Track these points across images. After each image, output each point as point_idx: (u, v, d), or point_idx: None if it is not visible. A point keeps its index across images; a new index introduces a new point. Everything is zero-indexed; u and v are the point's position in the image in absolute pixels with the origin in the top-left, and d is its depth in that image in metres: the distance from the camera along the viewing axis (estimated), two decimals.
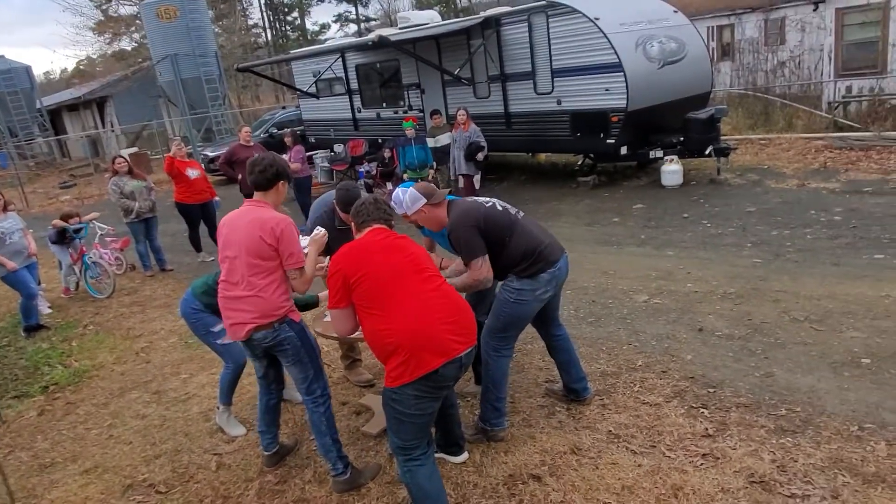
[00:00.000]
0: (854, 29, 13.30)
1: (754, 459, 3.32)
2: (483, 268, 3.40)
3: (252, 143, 9.13)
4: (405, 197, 3.60)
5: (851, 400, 3.77)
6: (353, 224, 3.15)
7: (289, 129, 11.14)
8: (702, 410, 3.83)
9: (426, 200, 3.55)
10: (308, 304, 4.17)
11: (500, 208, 3.61)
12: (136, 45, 35.67)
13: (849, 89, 13.45)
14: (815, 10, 14.68)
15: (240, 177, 8.97)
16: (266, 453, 3.83)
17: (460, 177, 9.78)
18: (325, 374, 3.55)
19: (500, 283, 3.68)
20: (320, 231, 3.57)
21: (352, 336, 3.28)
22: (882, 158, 9.90)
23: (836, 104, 13.26)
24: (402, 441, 2.86)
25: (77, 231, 7.96)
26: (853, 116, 12.92)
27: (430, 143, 9.93)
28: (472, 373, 4.29)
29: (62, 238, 7.95)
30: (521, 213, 3.70)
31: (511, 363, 3.86)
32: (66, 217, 8.02)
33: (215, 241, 8.95)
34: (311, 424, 3.51)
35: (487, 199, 3.71)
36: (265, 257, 3.27)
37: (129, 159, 8.47)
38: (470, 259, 3.42)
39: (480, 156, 9.62)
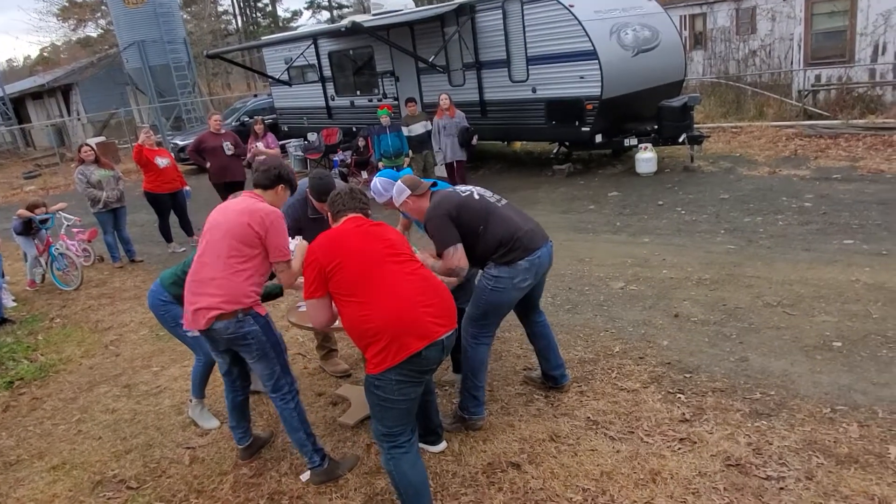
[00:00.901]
0: (823, 18, 13.47)
1: (730, 443, 3.34)
2: (455, 257, 3.39)
3: (223, 131, 8.94)
4: (392, 190, 3.63)
5: (824, 383, 3.82)
6: (329, 214, 3.10)
7: (259, 117, 10.97)
8: (678, 395, 3.85)
9: (411, 192, 3.57)
10: (271, 294, 4.08)
11: (476, 197, 3.58)
12: (101, 31, 34.83)
13: (818, 78, 13.64)
14: (784, 0, 14.83)
15: (209, 165, 8.82)
16: (240, 447, 3.77)
17: (454, 163, 9.87)
18: (291, 370, 3.47)
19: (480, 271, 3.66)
20: (304, 242, 3.53)
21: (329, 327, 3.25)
22: (850, 146, 10.07)
23: (806, 93, 13.45)
24: (387, 428, 2.83)
25: (43, 222, 7.74)
26: (822, 105, 13.12)
27: (405, 130, 9.83)
28: (451, 361, 4.26)
29: (28, 229, 7.72)
30: (504, 201, 3.67)
31: (489, 351, 3.83)
32: (31, 207, 7.78)
33: (186, 231, 8.93)
34: (283, 421, 3.43)
35: (467, 187, 3.68)
36: (248, 244, 3.21)
37: (96, 148, 8.25)
38: (442, 248, 3.41)
39: (475, 140, 9.84)
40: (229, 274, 3.20)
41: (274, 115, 16.08)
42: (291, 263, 3.35)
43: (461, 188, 3.69)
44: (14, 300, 7.52)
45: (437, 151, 9.95)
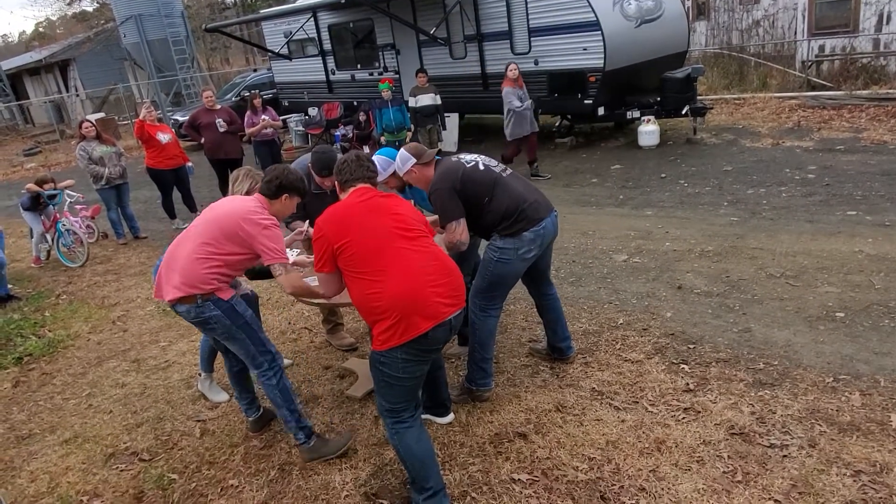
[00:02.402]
0: None
1: (734, 412, 3.39)
2: (457, 230, 3.40)
3: (217, 107, 8.88)
4: (396, 159, 3.60)
5: (826, 353, 3.86)
6: (336, 183, 3.08)
7: (255, 91, 10.92)
8: (682, 366, 3.89)
9: (416, 160, 3.54)
10: (262, 273, 3.91)
11: (481, 167, 3.57)
12: (97, 5, 34.35)
13: (822, 48, 13.51)
14: None
15: (203, 141, 8.79)
16: (249, 419, 3.80)
17: (529, 136, 8.82)
18: (270, 346, 3.41)
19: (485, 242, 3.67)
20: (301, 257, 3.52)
21: (335, 301, 3.27)
22: (853, 117, 10.02)
23: (810, 63, 13.33)
24: (390, 404, 2.85)
25: (52, 197, 7.75)
26: (826, 75, 13.02)
27: (411, 102, 9.75)
28: (457, 334, 4.30)
29: (35, 204, 7.72)
30: (508, 171, 3.66)
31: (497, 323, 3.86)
32: (40, 182, 7.77)
33: (189, 207, 8.93)
34: (268, 396, 3.42)
35: (472, 156, 3.66)
36: (230, 239, 3.15)
37: (96, 124, 8.21)
38: (446, 221, 3.42)
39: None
40: (193, 259, 3.16)
41: (273, 90, 15.97)
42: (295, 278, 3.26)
43: (466, 157, 3.65)
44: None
45: (513, 127, 8.69)
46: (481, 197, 3.46)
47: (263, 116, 9.38)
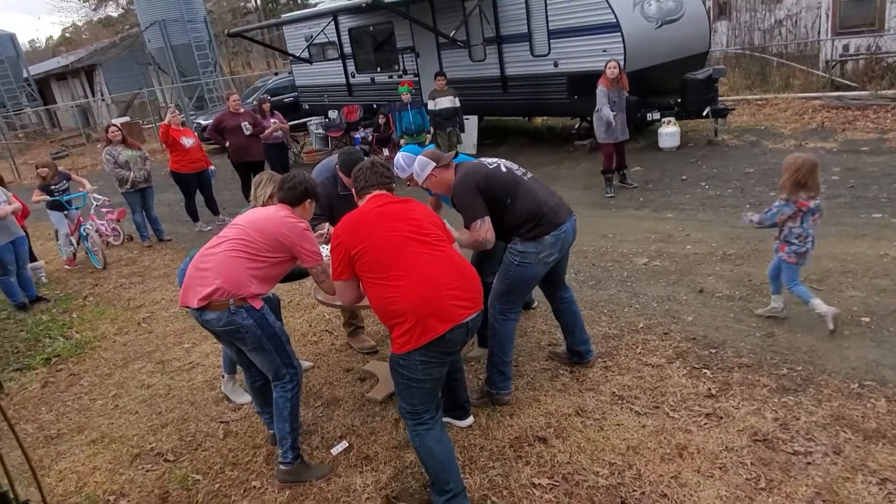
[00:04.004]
0: None
1: (757, 418, 3.36)
2: (482, 229, 3.41)
3: (242, 110, 9.00)
4: (415, 166, 3.59)
5: (851, 358, 3.81)
6: (353, 190, 3.12)
7: (265, 96, 11.10)
8: (704, 371, 3.87)
9: (435, 164, 3.55)
10: (293, 275, 3.91)
11: (504, 169, 3.59)
12: (122, 10, 34.96)
13: (846, 48, 13.30)
14: None
15: (228, 144, 8.90)
16: (270, 431, 3.73)
17: (620, 144, 8.02)
18: (295, 359, 3.38)
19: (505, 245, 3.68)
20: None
21: (356, 304, 3.30)
22: (879, 118, 9.86)
23: (834, 63, 13.13)
24: (411, 406, 2.88)
25: (70, 203, 7.89)
26: (850, 75, 12.82)
27: (430, 105, 9.78)
28: (476, 336, 4.31)
29: (58, 204, 7.85)
30: (529, 174, 3.68)
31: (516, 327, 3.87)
32: (39, 168, 7.83)
33: (212, 210, 9.04)
34: (275, 406, 3.38)
35: (493, 159, 3.68)
36: (266, 240, 3.18)
37: (122, 128, 8.36)
38: (470, 220, 3.44)
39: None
40: (230, 257, 3.16)
41: (294, 94, 16.10)
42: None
43: (487, 160, 3.67)
44: (45, 279, 7.72)
45: (601, 130, 7.84)
46: (504, 198, 3.47)
47: (273, 120, 9.46)
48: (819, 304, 4.13)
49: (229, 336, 3.25)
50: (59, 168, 8.27)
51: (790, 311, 4.46)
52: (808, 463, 3.00)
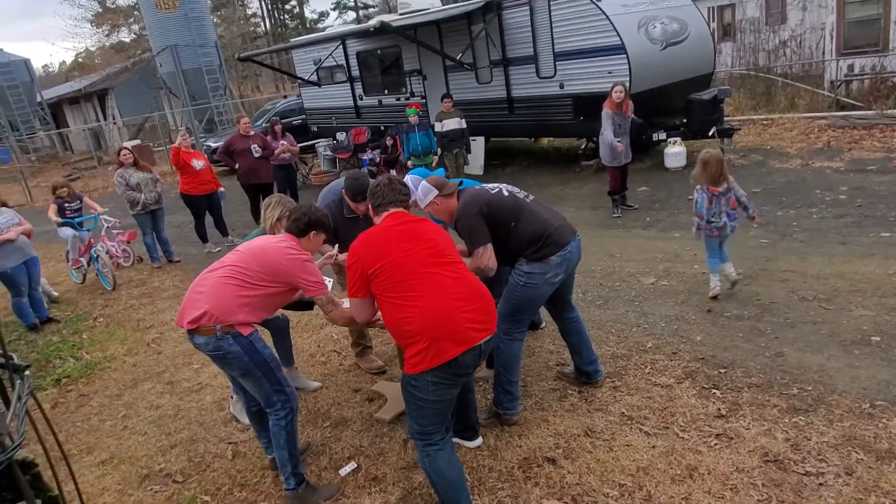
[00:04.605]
0: (856, 7, 13.19)
1: (768, 438, 3.34)
2: (485, 256, 3.43)
3: (252, 133, 9.12)
4: (419, 191, 3.62)
5: (862, 378, 3.79)
6: (370, 207, 3.14)
7: (276, 118, 11.27)
8: (714, 391, 3.85)
9: (438, 192, 3.56)
10: (298, 305, 4.00)
11: (506, 194, 3.63)
12: (135, 36, 35.56)
13: (851, 68, 13.36)
14: None
15: (237, 166, 9.00)
16: (269, 457, 3.70)
17: (624, 167, 8.07)
18: (287, 385, 3.35)
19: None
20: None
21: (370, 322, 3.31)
22: (885, 137, 9.86)
23: (839, 83, 13.19)
24: (422, 426, 2.88)
25: (81, 224, 7.98)
26: (855, 95, 12.85)
27: (437, 126, 9.87)
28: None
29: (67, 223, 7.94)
30: (531, 197, 3.71)
31: (522, 347, 3.87)
32: (55, 189, 7.99)
33: (221, 231, 9.11)
34: (271, 433, 3.38)
35: (495, 185, 3.72)
36: (264, 269, 3.20)
37: (133, 151, 8.48)
38: (474, 247, 3.45)
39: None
40: (223, 283, 3.18)
41: (303, 116, 16.28)
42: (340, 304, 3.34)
43: (489, 185, 3.72)
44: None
45: (606, 153, 7.86)
46: (507, 222, 3.50)
47: (282, 142, 9.55)
48: (727, 267, 5.13)
49: (218, 361, 3.28)
50: (76, 190, 8.41)
51: (799, 331, 4.45)
52: (820, 484, 2.98)
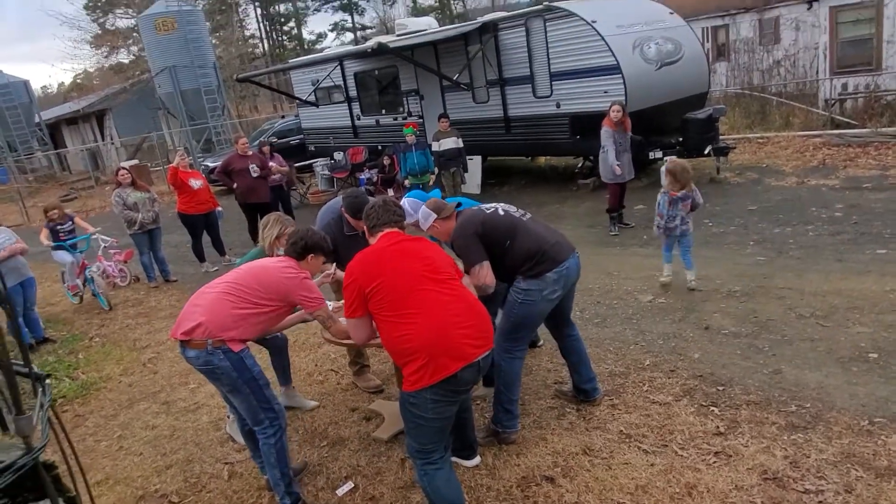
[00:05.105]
0: (848, 27, 13.37)
1: (767, 456, 3.33)
2: (481, 273, 3.45)
3: (249, 153, 9.15)
4: (419, 215, 3.69)
5: (860, 395, 3.78)
6: (365, 228, 3.17)
7: (264, 139, 11.41)
8: (712, 408, 3.84)
9: (437, 216, 3.63)
10: None
11: (501, 213, 3.67)
12: (133, 57, 35.82)
13: (844, 86, 13.50)
14: (808, 9, 14.74)
15: (235, 185, 9.02)
16: (265, 477, 3.66)
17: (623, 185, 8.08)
18: (275, 403, 3.36)
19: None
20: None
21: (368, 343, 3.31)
22: (880, 154, 9.94)
23: (833, 101, 13.31)
24: (420, 445, 2.87)
25: (74, 246, 7.96)
26: (850, 113, 12.97)
27: (434, 146, 9.93)
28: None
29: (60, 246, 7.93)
30: (528, 216, 3.73)
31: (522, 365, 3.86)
32: (46, 212, 7.96)
33: (219, 250, 9.11)
34: (262, 453, 3.37)
35: (491, 205, 3.76)
36: (263, 287, 3.23)
37: (131, 171, 8.50)
38: (470, 266, 3.48)
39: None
40: (221, 298, 3.21)
41: (301, 136, 16.37)
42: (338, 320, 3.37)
43: (486, 206, 3.77)
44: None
45: (607, 171, 7.89)
46: (503, 240, 3.53)
47: (271, 163, 9.58)
48: (689, 274, 5.81)
49: (208, 376, 3.29)
50: (66, 210, 8.39)
51: (797, 348, 4.45)
52: (820, 502, 2.96)
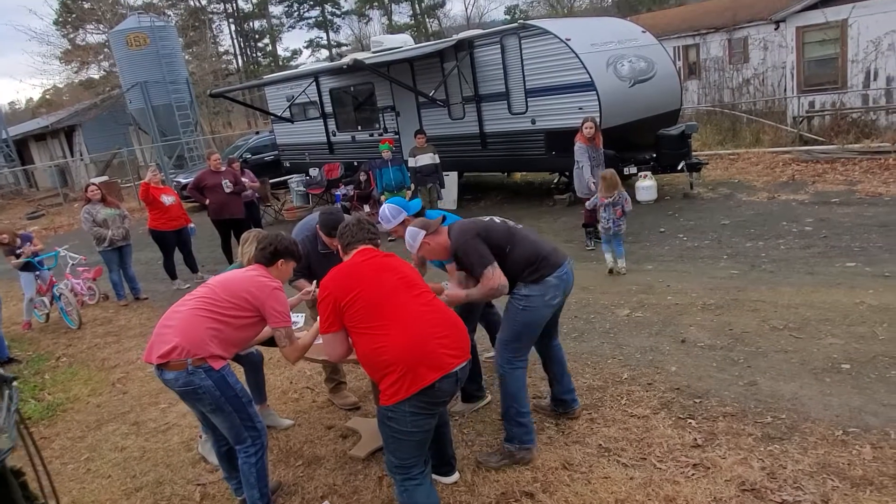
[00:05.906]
0: (814, 46, 13.74)
1: (744, 467, 3.33)
2: (495, 276, 3.36)
3: (223, 169, 9.06)
4: (406, 237, 3.58)
5: (834, 405, 3.82)
6: (339, 246, 3.13)
7: (233, 156, 11.40)
8: (689, 421, 3.85)
9: (426, 232, 3.52)
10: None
11: (498, 221, 3.66)
12: (104, 73, 35.39)
13: (812, 104, 13.85)
14: (776, 29, 15.14)
15: (208, 202, 8.92)
16: (239, 498, 3.57)
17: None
18: (258, 421, 3.30)
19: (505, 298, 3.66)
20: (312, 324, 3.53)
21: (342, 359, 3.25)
22: (847, 170, 10.18)
23: (801, 119, 13.64)
24: (400, 460, 2.82)
25: (41, 263, 7.75)
26: (817, 130, 13.30)
27: (411, 162, 9.93)
28: (459, 391, 4.25)
29: (29, 266, 7.70)
30: (520, 226, 3.72)
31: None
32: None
33: (191, 267, 8.96)
34: (241, 472, 3.29)
35: (484, 216, 3.75)
36: (234, 298, 3.17)
37: (101, 187, 8.34)
38: (481, 269, 3.37)
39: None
40: (194, 315, 3.13)
41: (275, 152, 16.26)
42: (299, 337, 3.31)
43: (478, 217, 3.75)
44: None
45: (582, 186, 8.06)
46: (503, 246, 3.48)
47: (243, 179, 9.50)
48: (620, 261, 6.96)
49: (188, 397, 3.18)
50: (21, 231, 8.15)
51: (771, 360, 4.49)
52: None
